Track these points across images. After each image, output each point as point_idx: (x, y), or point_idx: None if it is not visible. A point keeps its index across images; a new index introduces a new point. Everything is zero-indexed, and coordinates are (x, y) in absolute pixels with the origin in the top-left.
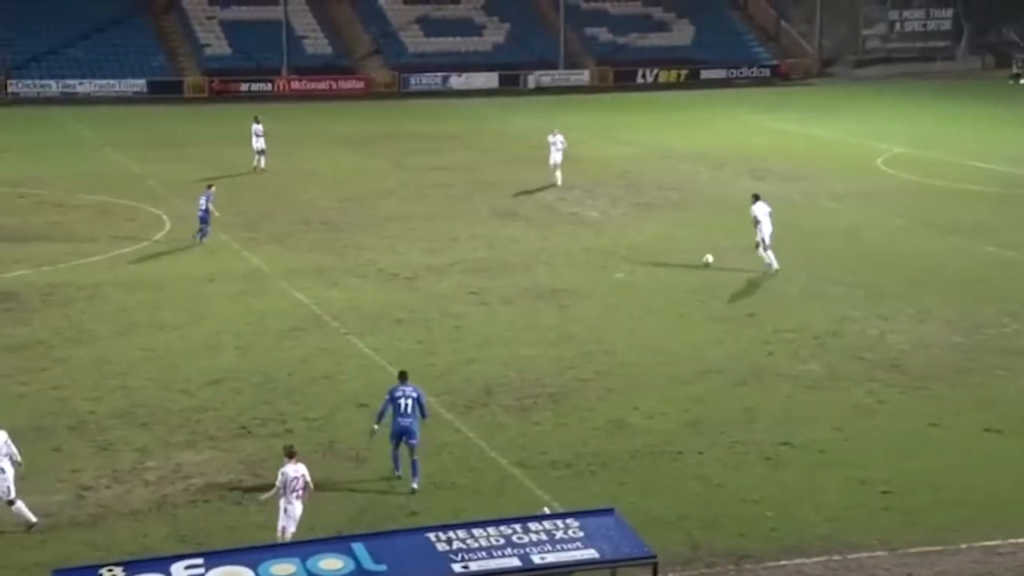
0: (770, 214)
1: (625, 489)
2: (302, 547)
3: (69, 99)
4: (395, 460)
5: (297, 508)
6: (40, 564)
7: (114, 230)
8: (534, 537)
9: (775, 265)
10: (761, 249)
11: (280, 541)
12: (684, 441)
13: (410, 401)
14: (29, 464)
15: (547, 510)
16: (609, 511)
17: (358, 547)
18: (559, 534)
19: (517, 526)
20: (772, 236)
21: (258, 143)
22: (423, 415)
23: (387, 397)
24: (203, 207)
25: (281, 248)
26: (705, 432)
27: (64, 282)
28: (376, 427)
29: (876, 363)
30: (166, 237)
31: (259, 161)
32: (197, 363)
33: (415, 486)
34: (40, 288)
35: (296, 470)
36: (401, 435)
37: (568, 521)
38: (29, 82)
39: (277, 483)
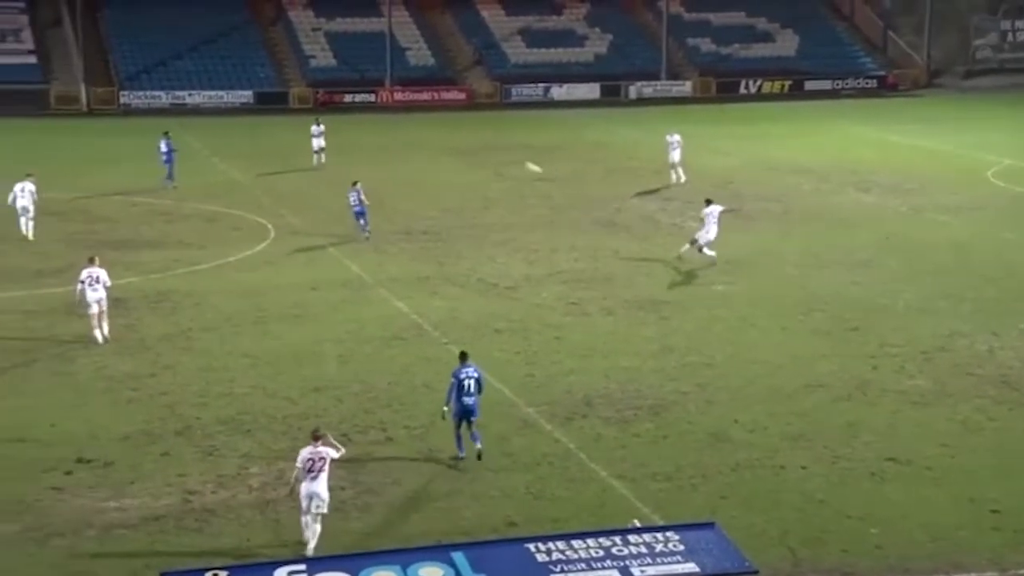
0: (717, 216)
1: (726, 503)
2: (402, 555)
3: (178, 110)
4: (459, 441)
5: (315, 486)
6: (149, 566)
7: (220, 239)
8: (634, 550)
9: (708, 254)
10: (696, 250)
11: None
12: (786, 455)
13: (472, 381)
14: (137, 469)
15: (636, 523)
16: (710, 525)
17: (458, 556)
18: (659, 547)
19: (617, 538)
20: (711, 241)
21: (317, 142)
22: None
23: (452, 379)
24: (357, 204)
25: (382, 257)
26: (808, 447)
27: (172, 289)
28: (446, 408)
29: (985, 379)
30: (270, 246)
31: (319, 159)
32: (300, 370)
33: (479, 445)
34: (149, 295)
35: (315, 452)
36: (465, 414)
37: (668, 534)
38: (140, 93)
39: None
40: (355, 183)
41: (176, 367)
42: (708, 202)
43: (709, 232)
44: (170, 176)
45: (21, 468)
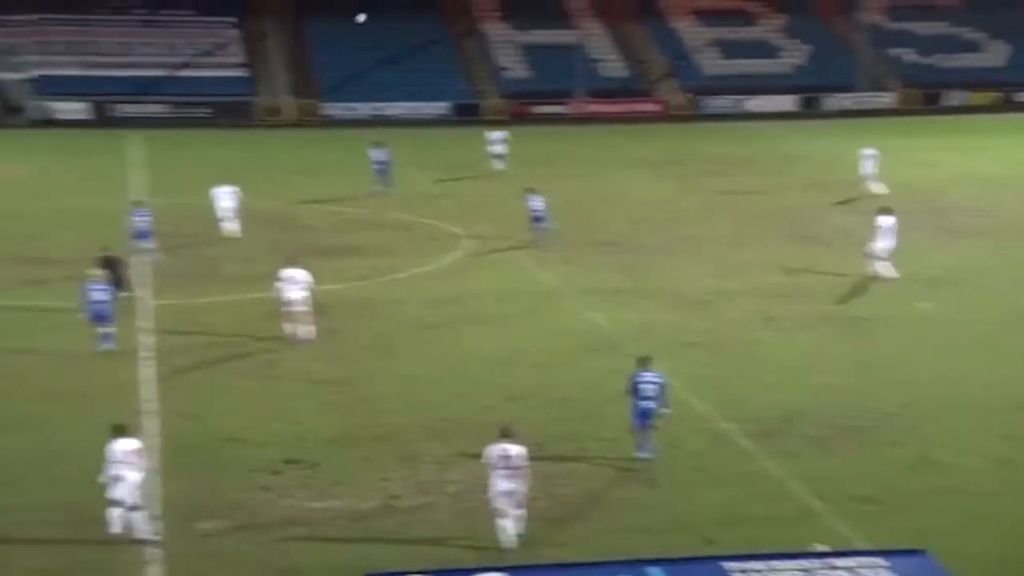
0: (893, 227)
1: (933, 529)
2: (599, 568)
3: (377, 120)
4: (640, 443)
5: (506, 484)
6: (354, 568)
7: (417, 247)
8: (838, 574)
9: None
10: (873, 260)
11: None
12: (997, 480)
13: (651, 386)
14: (340, 471)
15: (819, 547)
16: (921, 552)
17: (655, 572)
18: (866, 572)
19: (818, 561)
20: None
21: (495, 148)
22: (665, 404)
23: (629, 382)
24: (538, 211)
25: (574, 268)
26: (1020, 471)
27: (372, 297)
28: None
29: None
30: (464, 255)
31: (497, 165)
32: (495, 379)
33: (646, 455)
34: (351, 302)
35: (504, 450)
36: (642, 416)
37: (876, 559)
38: (341, 104)
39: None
40: (532, 189)
41: (376, 373)
42: (883, 211)
43: (884, 242)
44: (387, 183)
45: (233, 467)
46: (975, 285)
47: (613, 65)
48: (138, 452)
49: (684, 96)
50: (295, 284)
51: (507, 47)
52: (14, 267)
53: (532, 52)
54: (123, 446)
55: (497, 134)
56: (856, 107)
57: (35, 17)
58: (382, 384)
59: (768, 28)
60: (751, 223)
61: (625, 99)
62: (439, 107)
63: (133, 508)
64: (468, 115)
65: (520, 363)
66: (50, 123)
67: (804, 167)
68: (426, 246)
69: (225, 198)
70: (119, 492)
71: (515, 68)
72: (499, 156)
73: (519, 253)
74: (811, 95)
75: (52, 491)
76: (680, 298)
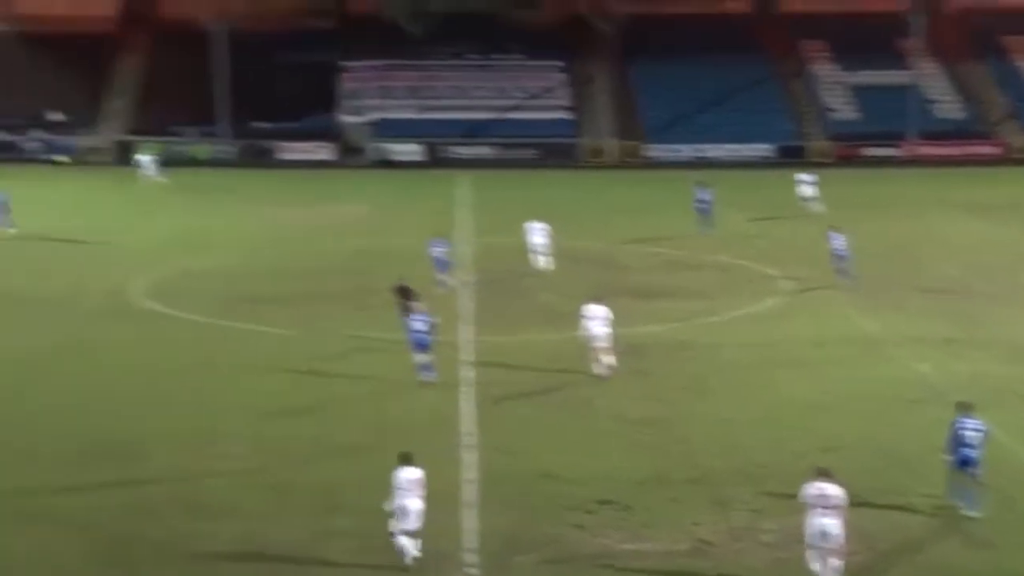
0: None
1: None
2: None
3: (700, 162)
4: (957, 492)
5: (824, 525)
6: None
7: (734, 289)
8: None
9: None
10: None
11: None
12: None
13: (975, 433)
14: (651, 513)
15: None
16: None
17: None
18: None
19: None
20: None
21: (806, 190)
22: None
23: (951, 429)
24: (839, 249)
25: (899, 314)
26: None
27: (689, 339)
28: (947, 458)
29: None
30: (781, 297)
31: (811, 207)
32: (811, 425)
33: (975, 514)
34: (667, 344)
35: (820, 488)
36: (964, 464)
37: None
38: (664, 146)
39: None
40: (835, 227)
41: (690, 415)
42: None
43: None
44: (708, 224)
45: (547, 503)
46: None
47: (950, 106)
48: (420, 482)
49: None
50: (597, 320)
51: (835, 88)
52: (341, 298)
53: (862, 93)
54: (408, 475)
55: (807, 176)
56: None
57: (378, 63)
58: (695, 426)
59: None
60: None
61: (961, 141)
62: (763, 149)
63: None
64: (793, 157)
65: (838, 410)
66: (387, 164)
67: None
68: (743, 288)
69: (537, 234)
70: (409, 522)
71: (843, 109)
72: (812, 199)
73: (837, 297)
74: None
75: (380, 518)
76: (1015, 348)
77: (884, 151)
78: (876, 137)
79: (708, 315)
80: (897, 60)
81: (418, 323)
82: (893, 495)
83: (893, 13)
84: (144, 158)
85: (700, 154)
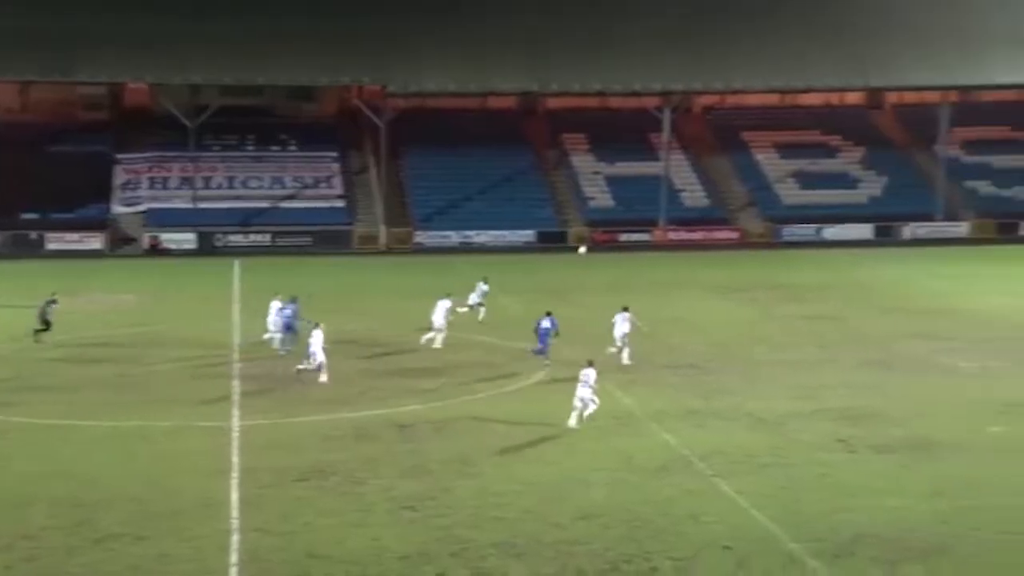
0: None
1: None
2: None
3: (465, 248)
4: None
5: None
6: None
7: (499, 369)
8: None
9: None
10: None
11: None
12: None
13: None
14: None
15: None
16: None
17: None
18: None
19: None
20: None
21: (475, 297)
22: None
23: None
24: (544, 329)
25: (651, 389)
26: None
27: (453, 416)
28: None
29: None
30: (544, 376)
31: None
32: (569, 497)
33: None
34: (436, 420)
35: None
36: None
37: None
38: (432, 233)
39: None
40: (548, 312)
41: (453, 490)
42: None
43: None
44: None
45: None
46: None
47: (695, 195)
48: None
49: (764, 225)
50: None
51: (594, 178)
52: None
53: (617, 183)
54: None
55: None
56: (931, 236)
57: (152, 155)
58: (458, 501)
59: (847, 160)
60: (828, 348)
61: (705, 227)
62: (525, 235)
63: None
64: (554, 242)
65: (593, 482)
66: (159, 253)
67: (879, 293)
68: (508, 368)
69: (274, 311)
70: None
71: (600, 197)
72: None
73: (600, 375)
74: (888, 224)
75: None
76: (755, 419)
77: (638, 236)
78: (630, 223)
79: (475, 392)
80: (649, 152)
81: None
82: (640, 560)
83: (645, 109)
84: None
85: (467, 240)
